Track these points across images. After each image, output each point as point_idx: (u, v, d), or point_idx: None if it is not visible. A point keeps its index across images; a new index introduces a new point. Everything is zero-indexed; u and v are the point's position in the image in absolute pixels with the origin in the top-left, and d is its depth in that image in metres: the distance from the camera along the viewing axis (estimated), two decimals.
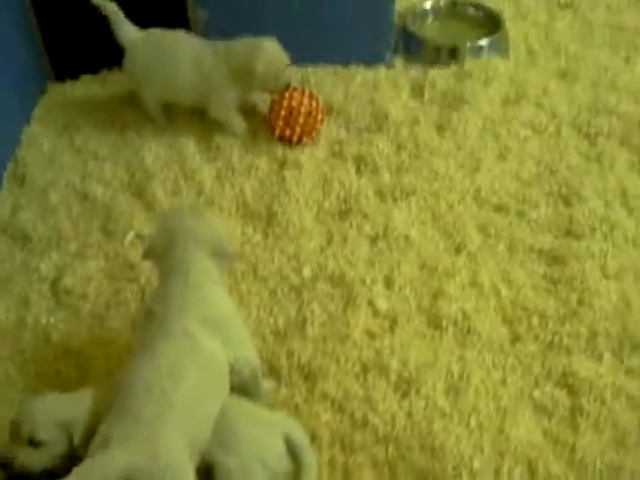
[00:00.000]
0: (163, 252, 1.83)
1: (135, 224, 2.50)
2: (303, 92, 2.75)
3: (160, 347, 1.66)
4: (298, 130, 2.72)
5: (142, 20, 2.95)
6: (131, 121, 2.93)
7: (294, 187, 2.58)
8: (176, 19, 2.97)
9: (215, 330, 1.74)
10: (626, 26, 3.43)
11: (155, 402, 1.58)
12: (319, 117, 2.73)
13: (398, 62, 3.16)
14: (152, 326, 1.73)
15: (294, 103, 2.70)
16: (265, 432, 1.73)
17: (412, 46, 3.20)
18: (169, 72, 2.76)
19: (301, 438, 1.76)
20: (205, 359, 1.69)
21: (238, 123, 2.81)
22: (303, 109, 2.69)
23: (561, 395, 2.03)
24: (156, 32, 2.81)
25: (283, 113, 2.71)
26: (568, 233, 2.45)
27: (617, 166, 2.67)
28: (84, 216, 2.56)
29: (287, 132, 2.73)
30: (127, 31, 2.75)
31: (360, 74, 3.09)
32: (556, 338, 2.15)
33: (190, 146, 2.78)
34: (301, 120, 2.70)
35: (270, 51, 2.69)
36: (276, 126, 2.74)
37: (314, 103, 2.72)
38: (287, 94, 2.72)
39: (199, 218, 1.90)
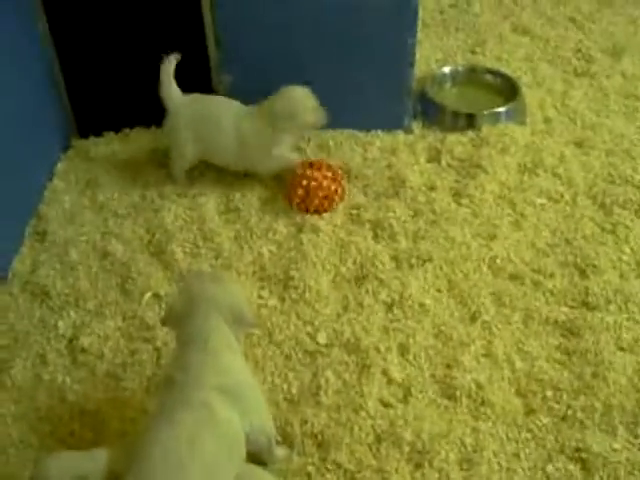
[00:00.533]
0: (183, 318, 1.85)
1: (153, 284, 2.53)
2: (326, 170, 2.79)
3: (179, 416, 1.67)
4: (312, 209, 2.77)
5: None
6: (152, 180, 2.98)
7: (311, 251, 2.61)
8: (200, 84, 3.04)
9: (233, 399, 1.75)
10: None
11: (172, 470, 1.59)
12: (336, 199, 2.78)
13: (416, 127, 3.20)
14: (171, 393, 1.74)
15: (313, 183, 2.74)
16: None
17: (430, 112, 3.25)
18: (212, 135, 2.84)
19: None
20: (222, 430, 1.70)
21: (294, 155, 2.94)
22: (320, 193, 2.74)
23: (575, 470, 2.02)
24: (199, 96, 2.89)
25: (300, 192, 2.76)
26: (583, 304, 2.46)
27: (632, 237, 2.69)
28: (103, 274, 2.59)
29: (303, 207, 2.79)
30: (173, 92, 2.83)
31: (378, 139, 3.13)
32: (570, 412, 2.14)
33: (210, 207, 2.82)
34: (316, 202, 2.76)
35: (295, 90, 2.80)
36: (292, 201, 2.80)
37: (333, 186, 2.76)
38: (309, 172, 2.77)
39: (220, 284, 1.91)
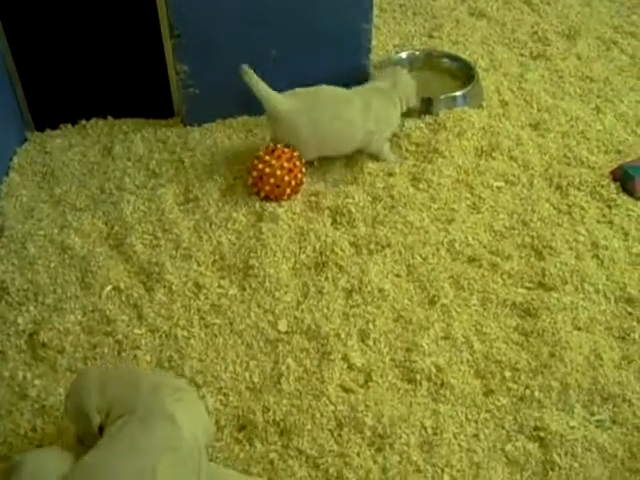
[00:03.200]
0: None
1: (113, 277, 2.52)
2: (286, 160, 2.77)
3: None
4: (262, 194, 2.78)
5: (117, 76, 3.02)
6: (110, 172, 2.96)
7: (271, 240, 2.61)
8: (154, 74, 3.03)
9: None
10: (596, 76, 3.51)
11: None
12: (287, 191, 2.77)
13: None
14: None
15: (267, 170, 2.74)
16: None
17: None
18: (332, 126, 2.83)
19: None
20: None
21: (393, 155, 2.99)
22: (272, 180, 2.74)
23: (533, 449, 2.06)
24: (302, 91, 2.86)
25: (254, 174, 2.77)
26: (540, 285, 2.49)
27: (587, 218, 2.73)
28: (62, 269, 2.56)
29: (255, 190, 2.80)
30: (272, 94, 2.78)
31: None
32: (528, 391, 2.18)
33: (168, 198, 2.81)
34: (267, 188, 2.75)
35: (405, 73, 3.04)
36: (248, 181, 2.82)
37: (287, 178, 2.75)
38: (267, 157, 2.76)
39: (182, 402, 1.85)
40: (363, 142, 2.90)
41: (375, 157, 2.97)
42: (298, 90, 2.84)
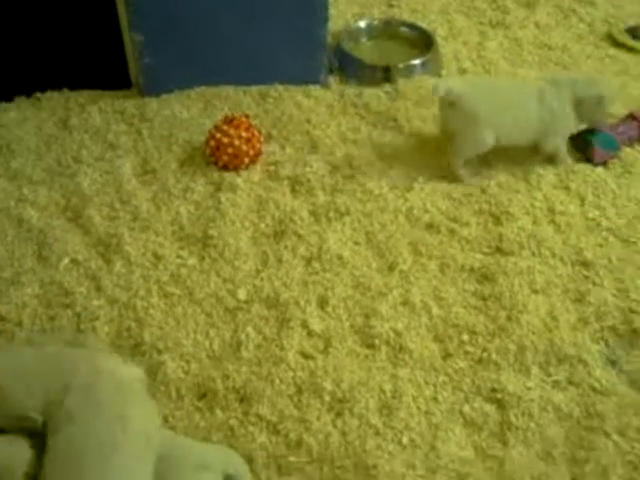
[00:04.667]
0: None
1: (70, 250, 2.50)
2: (244, 130, 2.75)
3: None
4: (220, 164, 2.76)
5: (72, 46, 2.97)
6: (67, 145, 2.92)
7: (230, 209, 2.61)
8: (109, 44, 2.99)
9: None
10: (554, 44, 3.53)
11: None
12: (245, 160, 2.75)
13: (333, 82, 3.21)
14: None
15: (225, 139, 2.72)
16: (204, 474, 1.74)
17: (347, 66, 3.25)
18: (509, 114, 2.73)
19: (240, 473, 1.79)
20: None
21: (566, 153, 2.85)
22: (230, 150, 2.72)
23: (490, 410, 2.08)
24: (475, 77, 2.97)
25: (212, 144, 2.75)
26: (497, 250, 2.52)
27: (544, 183, 2.76)
28: (19, 242, 2.54)
29: (213, 160, 2.78)
30: (452, 83, 2.74)
31: (295, 95, 3.12)
32: (485, 354, 2.21)
33: (126, 170, 2.79)
34: (225, 158, 2.74)
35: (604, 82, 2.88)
36: (206, 151, 2.80)
37: (245, 147, 2.73)
38: (225, 127, 2.74)
39: None
40: (538, 133, 2.76)
41: (550, 160, 2.86)
42: (469, 76, 2.81)
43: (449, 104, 2.71)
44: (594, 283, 2.43)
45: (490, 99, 2.73)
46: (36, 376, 1.77)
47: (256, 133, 2.78)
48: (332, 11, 3.53)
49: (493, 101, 2.72)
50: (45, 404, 1.71)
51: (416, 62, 3.22)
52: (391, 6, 3.77)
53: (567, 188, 2.75)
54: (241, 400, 2.09)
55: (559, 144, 2.82)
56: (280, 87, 3.16)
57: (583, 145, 2.88)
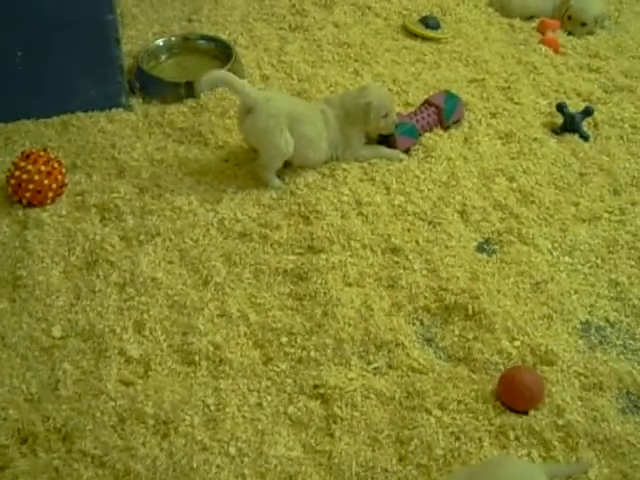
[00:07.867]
0: None
1: None
2: (43, 163, 2.69)
3: None
4: (25, 201, 2.70)
5: None
6: None
7: (38, 246, 2.55)
8: None
9: None
10: (353, 41, 3.64)
11: None
12: (50, 194, 2.70)
13: (136, 103, 3.19)
14: None
15: (24, 176, 2.66)
16: None
17: (149, 86, 3.24)
18: (305, 129, 2.81)
19: None
20: None
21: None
22: (32, 186, 2.66)
23: (315, 406, 2.14)
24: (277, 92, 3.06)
25: (13, 182, 2.69)
26: (309, 249, 2.58)
27: (350, 178, 2.84)
28: None
29: (16, 198, 2.71)
30: (249, 89, 2.80)
31: (98, 121, 3.09)
32: (304, 353, 2.26)
33: None
34: (28, 195, 2.68)
35: (377, 88, 2.97)
36: (8, 190, 2.73)
37: (47, 181, 2.68)
38: (23, 163, 2.68)
39: None
40: (330, 150, 2.91)
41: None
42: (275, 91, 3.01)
43: (247, 111, 2.75)
44: (404, 268, 2.53)
45: (288, 107, 2.80)
46: None
47: (57, 165, 2.73)
48: (131, 32, 3.56)
49: (291, 110, 2.79)
50: None
51: None
52: (191, 21, 3.77)
53: (372, 179, 2.85)
54: (63, 439, 2.05)
55: (356, 151, 2.94)
56: (82, 115, 3.11)
57: (385, 137, 2.98)
